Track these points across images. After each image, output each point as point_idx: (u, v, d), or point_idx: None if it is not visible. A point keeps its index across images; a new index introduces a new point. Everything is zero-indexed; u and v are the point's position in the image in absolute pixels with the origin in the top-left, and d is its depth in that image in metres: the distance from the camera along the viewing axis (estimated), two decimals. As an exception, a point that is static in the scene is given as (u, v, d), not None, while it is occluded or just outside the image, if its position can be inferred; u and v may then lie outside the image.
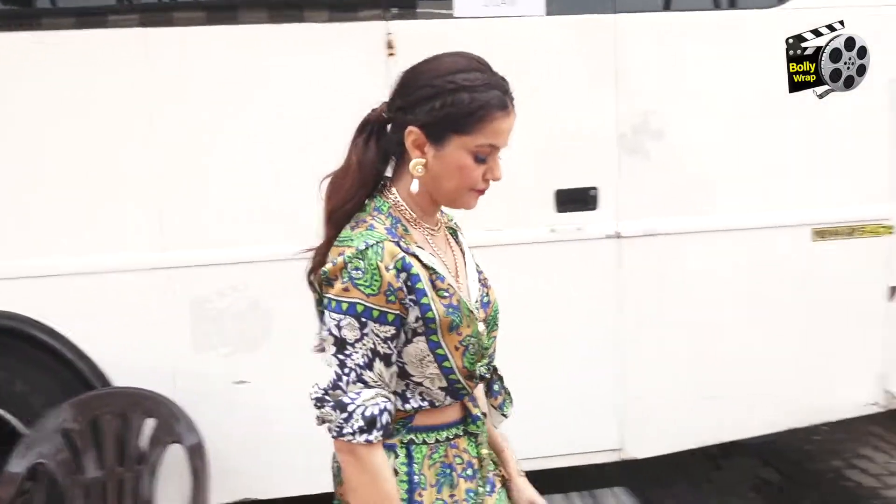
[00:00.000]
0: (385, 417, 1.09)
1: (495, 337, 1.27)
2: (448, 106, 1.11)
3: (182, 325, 2.32)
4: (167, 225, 2.29)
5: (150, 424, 2.25)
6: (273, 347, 2.35)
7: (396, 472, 1.16)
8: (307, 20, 2.36)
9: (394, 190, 1.19)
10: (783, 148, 2.59)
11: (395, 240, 1.12)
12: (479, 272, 1.29)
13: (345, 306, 1.08)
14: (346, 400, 1.08)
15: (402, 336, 1.12)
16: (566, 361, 2.54)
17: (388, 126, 1.19)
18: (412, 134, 1.14)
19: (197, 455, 2.18)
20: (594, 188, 2.51)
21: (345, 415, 1.07)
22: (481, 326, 1.21)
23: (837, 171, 2.62)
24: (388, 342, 1.10)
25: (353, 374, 1.08)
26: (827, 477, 3.38)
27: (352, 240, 1.11)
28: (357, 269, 1.08)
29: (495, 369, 1.30)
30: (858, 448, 3.64)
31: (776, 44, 2.51)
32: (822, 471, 3.44)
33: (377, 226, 1.13)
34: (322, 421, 1.11)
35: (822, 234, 2.61)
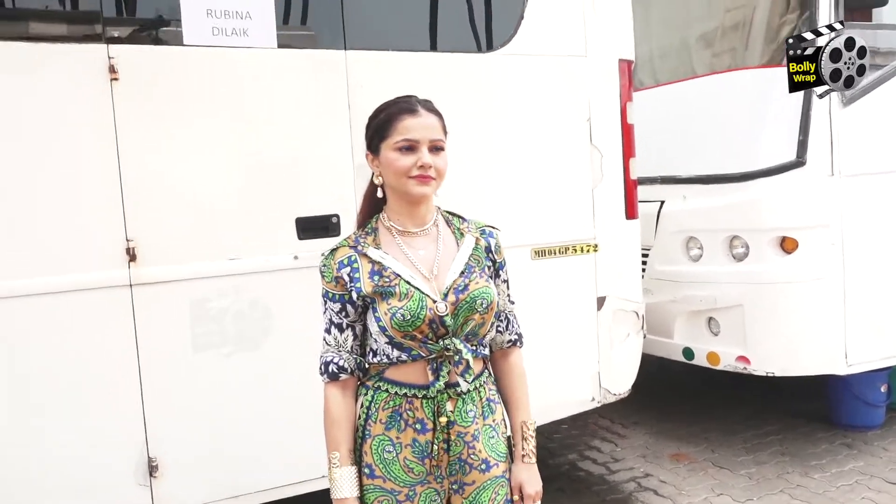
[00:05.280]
0: (331, 367, 1.60)
1: (473, 319, 1.58)
2: (373, 126, 1.60)
3: None
4: None
5: None
6: None
7: (363, 405, 1.61)
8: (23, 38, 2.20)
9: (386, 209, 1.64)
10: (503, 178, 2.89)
11: (354, 244, 1.60)
12: (472, 269, 1.61)
13: (322, 291, 1.62)
14: (321, 351, 1.63)
15: (353, 308, 1.59)
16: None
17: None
18: (367, 157, 1.63)
19: None
20: (336, 215, 2.60)
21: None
22: (441, 307, 1.54)
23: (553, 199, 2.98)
24: (339, 314, 1.60)
25: (323, 334, 1.63)
26: (563, 469, 3.77)
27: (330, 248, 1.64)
28: (323, 265, 1.62)
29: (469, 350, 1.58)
30: (590, 440, 4.12)
31: (488, 84, 2.82)
32: (559, 464, 3.83)
33: (350, 236, 1.64)
34: None
35: (539, 252, 2.94)
